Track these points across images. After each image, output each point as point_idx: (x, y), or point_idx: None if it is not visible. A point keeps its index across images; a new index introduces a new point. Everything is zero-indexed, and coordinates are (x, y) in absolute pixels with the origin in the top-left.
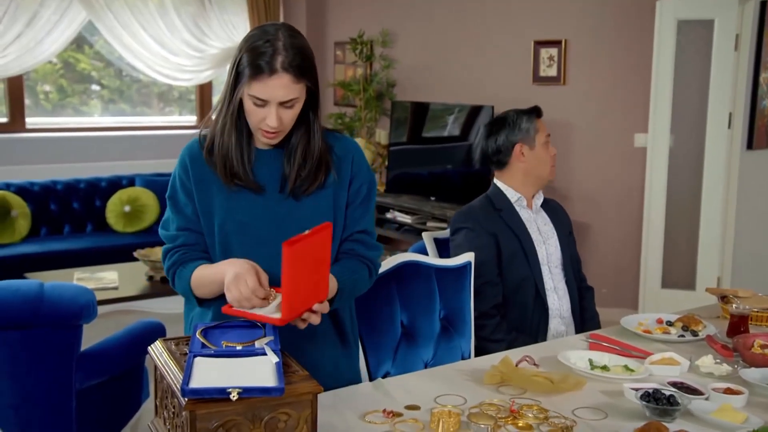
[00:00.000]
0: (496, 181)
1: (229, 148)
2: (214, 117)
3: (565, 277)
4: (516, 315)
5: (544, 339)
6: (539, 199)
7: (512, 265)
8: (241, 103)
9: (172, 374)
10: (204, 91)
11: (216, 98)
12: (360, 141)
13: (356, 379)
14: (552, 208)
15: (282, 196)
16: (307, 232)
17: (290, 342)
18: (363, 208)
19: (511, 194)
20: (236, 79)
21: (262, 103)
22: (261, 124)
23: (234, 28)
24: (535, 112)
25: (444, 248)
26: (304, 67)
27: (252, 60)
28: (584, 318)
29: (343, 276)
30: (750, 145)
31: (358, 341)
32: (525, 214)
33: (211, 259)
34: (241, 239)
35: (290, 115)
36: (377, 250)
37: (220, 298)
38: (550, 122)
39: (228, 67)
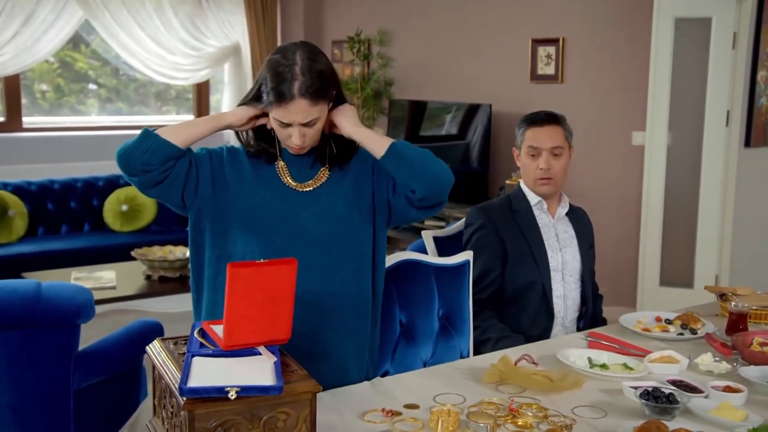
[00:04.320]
0: (521, 181)
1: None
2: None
3: (582, 289)
4: (520, 318)
5: None
6: (564, 208)
7: (518, 269)
8: None
9: (171, 374)
10: (201, 90)
11: (213, 97)
12: None
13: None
14: (578, 218)
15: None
16: (261, 261)
17: (323, 335)
18: None
19: (532, 198)
20: (258, 97)
21: (286, 125)
22: (288, 141)
23: (231, 27)
24: (527, 120)
25: (443, 246)
26: (320, 90)
27: (274, 86)
28: (595, 323)
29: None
30: (748, 143)
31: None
32: (544, 219)
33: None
34: (262, 217)
35: (312, 132)
36: None
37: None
38: None
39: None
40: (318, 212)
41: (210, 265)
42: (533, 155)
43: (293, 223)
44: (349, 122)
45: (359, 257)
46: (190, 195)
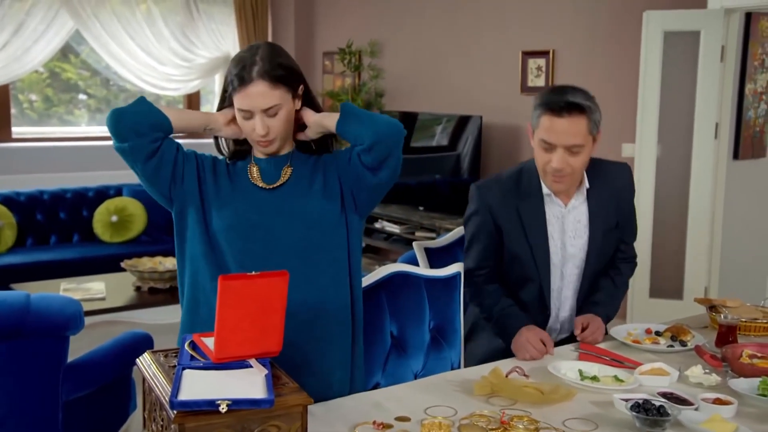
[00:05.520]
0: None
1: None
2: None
3: (582, 276)
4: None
5: None
6: (581, 194)
7: (514, 264)
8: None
9: (161, 386)
10: (192, 100)
11: (204, 108)
12: None
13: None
14: (604, 190)
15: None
16: (253, 273)
17: (306, 346)
18: None
19: (543, 187)
20: (225, 90)
21: (249, 114)
22: (253, 134)
23: (222, 38)
24: (545, 104)
25: (434, 258)
26: (280, 76)
27: (236, 72)
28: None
29: None
30: (736, 155)
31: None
32: (554, 210)
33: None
34: (237, 226)
35: (277, 123)
36: None
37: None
38: None
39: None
40: (292, 218)
41: (191, 263)
42: (545, 149)
43: (268, 232)
44: (310, 114)
45: (335, 262)
46: (177, 182)
